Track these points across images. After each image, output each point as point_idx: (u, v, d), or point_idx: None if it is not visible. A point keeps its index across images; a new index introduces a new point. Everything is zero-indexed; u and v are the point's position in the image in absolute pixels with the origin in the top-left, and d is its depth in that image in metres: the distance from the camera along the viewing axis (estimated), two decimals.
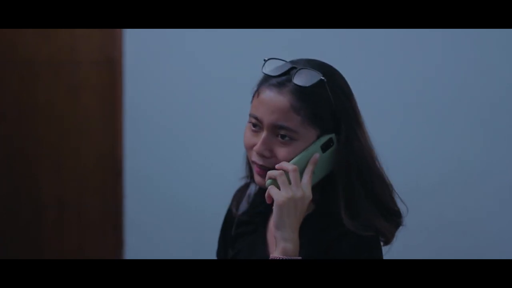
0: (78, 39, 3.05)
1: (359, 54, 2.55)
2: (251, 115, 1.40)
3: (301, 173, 1.34)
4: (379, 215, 1.37)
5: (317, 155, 1.35)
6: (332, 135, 1.38)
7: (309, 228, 1.36)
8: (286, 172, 1.33)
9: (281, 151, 1.35)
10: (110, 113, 3.04)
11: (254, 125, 1.39)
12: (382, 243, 1.39)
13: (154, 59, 2.94)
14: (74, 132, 3.13)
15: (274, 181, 1.33)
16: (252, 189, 1.56)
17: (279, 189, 1.32)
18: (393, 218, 1.40)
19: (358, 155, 1.37)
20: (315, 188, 1.38)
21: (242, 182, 1.59)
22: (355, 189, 1.36)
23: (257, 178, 1.40)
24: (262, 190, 1.48)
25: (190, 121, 2.92)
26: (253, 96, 1.42)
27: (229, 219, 1.62)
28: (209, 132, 2.90)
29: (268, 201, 1.34)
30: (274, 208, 1.31)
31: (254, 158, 1.38)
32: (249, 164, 1.49)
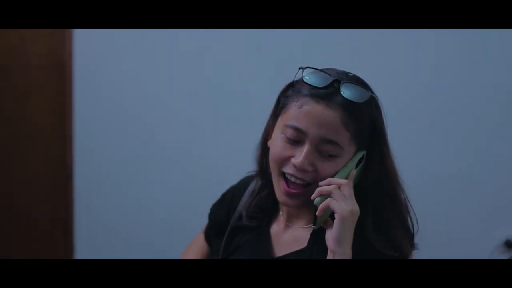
0: (26, 41, 2.99)
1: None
2: (289, 126, 1.32)
3: None
4: (403, 234, 1.36)
5: (354, 172, 1.33)
6: (365, 152, 1.36)
7: None
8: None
9: (324, 166, 1.31)
10: (60, 117, 2.99)
11: (292, 138, 1.32)
12: None
13: (104, 61, 2.90)
14: (22, 137, 3.07)
15: (323, 199, 1.28)
16: (258, 184, 1.51)
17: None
18: (411, 237, 1.39)
19: (389, 174, 1.36)
20: None
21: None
22: (385, 206, 1.35)
23: (282, 198, 1.35)
24: (270, 189, 1.44)
25: (140, 124, 2.89)
26: (286, 106, 1.35)
27: (226, 204, 1.57)
28: (160, 136, 2.88)
29: (318, 214, 1.28)
30: (337, 221, 1.26)
31: (291, 171, 1.32)
32: (262, 162, 1.45)
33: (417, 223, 1.40)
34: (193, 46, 2.76)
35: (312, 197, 1.30)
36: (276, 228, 1.46)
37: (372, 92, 1.35)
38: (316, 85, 1.31)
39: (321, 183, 1.30)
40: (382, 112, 1.38)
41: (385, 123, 1.38)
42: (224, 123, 2.76)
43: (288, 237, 1.42)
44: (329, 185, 1.29)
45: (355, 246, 1.29)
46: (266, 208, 1.48)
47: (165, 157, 2.88)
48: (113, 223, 2.97)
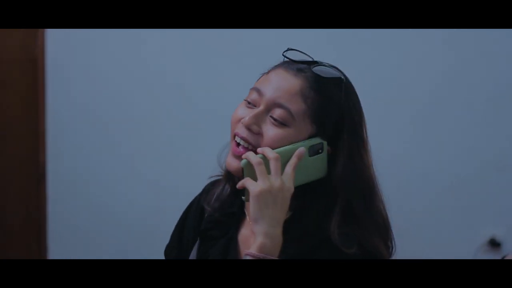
0: None
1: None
2: (252, 89, 1.33)
3: (284, 166, 1.26)
4: (376, 233, 1.29)
5: (303, 149, 1.27)
6: (325, 143, 1.30)
7: (292, 229, 1.27)
8: (266, 161, 1.24)
9: (270, 130, 1.28)
10: (32, 114, 2.96)
11: (251, 101, 1.31)
12: None
13: (77, 58, 2.90)
14: None
15: (249, 165, 1.24)
16: (225, 186, 1.44)
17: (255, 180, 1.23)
18: (386, 238, 1.33)
19: (358, 170, 1.30)
20: (300, 193, 1.29)
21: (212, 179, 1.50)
22: (356, 203, 1.28)
23: (230, 160, 1.31)
24: (236, 189, 1.38)
25: (114, 122, 2.89)
26: (262, 75, 1.36)
27: (193, 213, 1.49)
28: (134, 134, 2.88)
29: (238, 187, 1.26)
30: (250, 200, 1.22)
31: (239, 130, 1.30)
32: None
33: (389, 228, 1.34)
34: (163, 45, 2.79)
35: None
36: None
37: (345, 76, 1.33)
38: (292, 58, 1.33)
39: (258, 150, 1.27)
40: (357, 103, 1.34)
41: (361, 116, 1.33)
42: (202, 123, 2.78)
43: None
44: (259, 153, 1.26)
45: (312, 239, 1.27)
46: (233, 213, 1.42)
47: (140, 155, 2.88)
48: (86, 222, 2.94)
